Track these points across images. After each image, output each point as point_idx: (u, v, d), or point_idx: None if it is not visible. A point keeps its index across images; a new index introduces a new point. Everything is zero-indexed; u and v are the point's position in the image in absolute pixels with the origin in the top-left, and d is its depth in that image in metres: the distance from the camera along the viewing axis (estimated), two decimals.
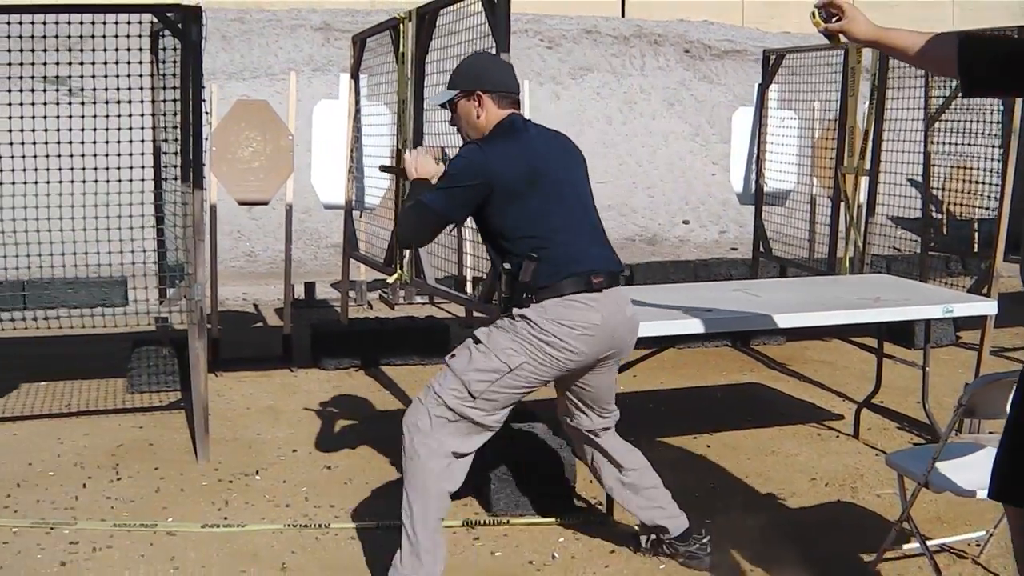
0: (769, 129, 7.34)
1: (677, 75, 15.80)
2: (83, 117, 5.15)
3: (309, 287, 8.99)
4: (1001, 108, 5.91)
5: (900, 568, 3.78)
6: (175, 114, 5.02)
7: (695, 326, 4.34)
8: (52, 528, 4.15)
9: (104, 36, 4.92)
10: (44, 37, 4.84)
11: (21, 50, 5.13)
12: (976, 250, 7.94)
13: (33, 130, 4.86)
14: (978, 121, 6.12)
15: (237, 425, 5.55)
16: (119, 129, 5.16)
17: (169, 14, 4.83)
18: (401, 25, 5.59)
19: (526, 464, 4.30)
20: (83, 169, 5.15)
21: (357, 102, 6.64)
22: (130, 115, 5.18)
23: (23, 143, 4.96)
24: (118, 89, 5.13)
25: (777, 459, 5.04)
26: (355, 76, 6.68)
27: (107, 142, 5.15)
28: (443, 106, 3.68)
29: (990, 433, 3.99)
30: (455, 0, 4.92)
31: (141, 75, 5.23)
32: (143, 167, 5.12)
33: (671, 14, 16.77)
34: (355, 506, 4.42)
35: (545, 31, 15.79)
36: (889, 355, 5.42)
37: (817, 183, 7.24)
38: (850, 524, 4.23)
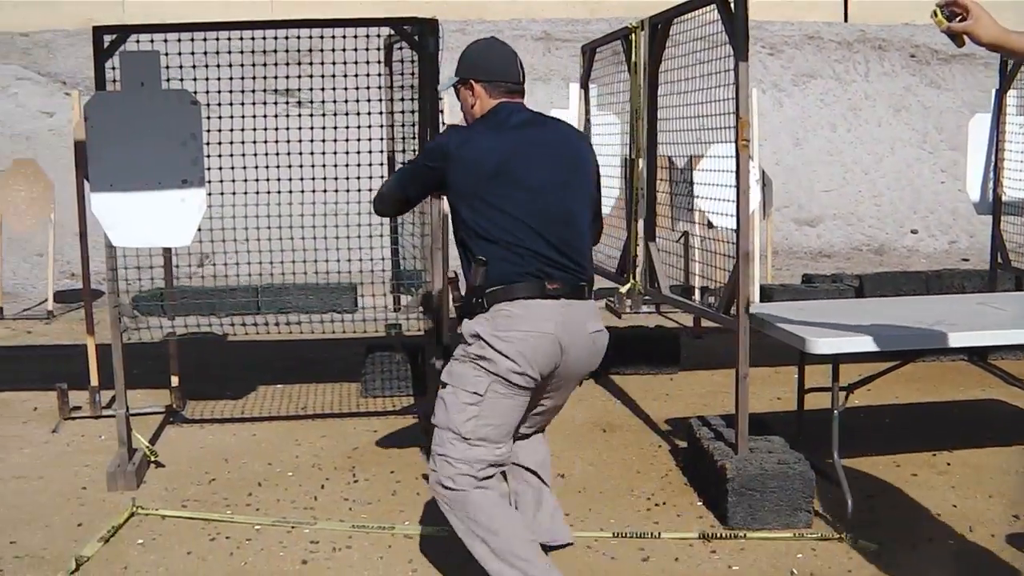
0: (1008, 136, 6.93)
1: (903, 80, 15.39)
2: (312, 128, 5.31)
3: None
4: None
5: None
6: (413, 125, 5.13)
7: (939, 340, 4.23)
8: (293, 527, 4.28)
9: (333, 50, 5.05)
10: (275, 51, 5.01)
11: (253, 64, 5.32)
12: None
13: (265, 141, 5.03)
14: None
15: None
16: (347, 140, 5.29)
17: (406, 27, 4.95)
18: (633, 35, 5.52)
19: (763, 477, 4.19)
20: (314, 179, 5.31)
21: (587, 111, 6.59)
22: (358, 126, 5.30)
23: (255, 154, 5.15)
24: (346, 101, 5.27)
25: (1022, 480, 4.75)
26: (584, 86, 6.65)
27: (335, 153, 5.30)
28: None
29: None
30: (690, 8, 4.82)
31: (368, 87, 5.34)
32: (376, 177, 5.22)
33: (896, 18, 16.29)
34: (589, 515, 4.40)
35: (767, 37, 15.56)
36: None
37: None
38: None
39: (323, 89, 5.21)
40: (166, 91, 4.58)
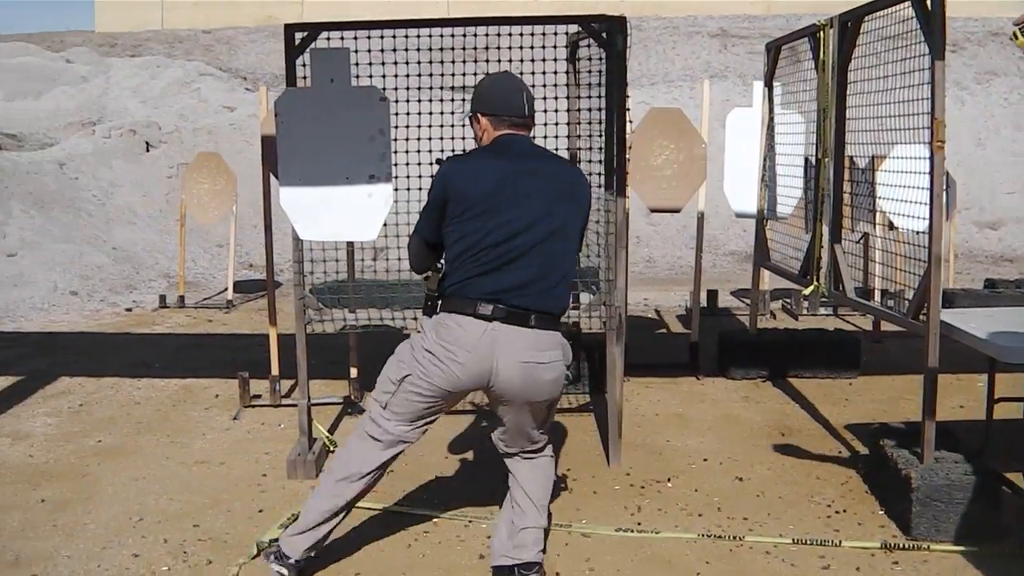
0: None
1: None
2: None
3: (712, 295, 8.94)
4: None
5: None
6: (600, 123, 5.12)
7: None
8: (471, 521, 4.34)
9: (510, 47, 5.09)
10: (452, 49, 5.08)
11: (431, 61, 5.40)
12: None
13: (441, 138, 5.08)
14: None
15: (646, 431, 5.59)
16: (533, 138, 5.31)
17: (594, 24, 4.94)
18: (821, 32, 5.41)
19: (949, 488, 4.07)
20: None
21: (771, 110, 6.51)
22: (544, 124, 5.33)
23: (430, 151, 5.21)
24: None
25: None
26: (769, 84, 6.57)
27: None
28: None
29: None
30: (884, 5, 4.70)
31: (545, 85, 5.35)
32: None
33: None
34: (768, 520, 4.35)
35: (949, 33, 14.84)
36: None
37: None
38: None
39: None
40: (356, 88, 4.65)
